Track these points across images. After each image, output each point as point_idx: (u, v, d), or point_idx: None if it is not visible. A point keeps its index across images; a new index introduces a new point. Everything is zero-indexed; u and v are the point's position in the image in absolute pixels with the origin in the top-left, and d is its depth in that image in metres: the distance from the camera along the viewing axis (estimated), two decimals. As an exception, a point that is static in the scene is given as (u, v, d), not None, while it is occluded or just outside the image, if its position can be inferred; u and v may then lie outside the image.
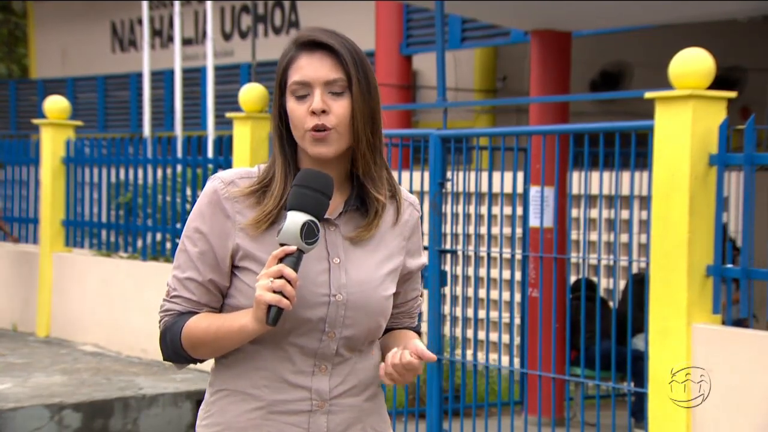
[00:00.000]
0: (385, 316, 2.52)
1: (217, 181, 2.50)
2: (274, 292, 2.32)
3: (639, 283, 7.18)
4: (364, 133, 2.46)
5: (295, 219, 2.36)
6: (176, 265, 2.52)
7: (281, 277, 2.32)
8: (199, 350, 2.47)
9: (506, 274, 9.59)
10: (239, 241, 2.46)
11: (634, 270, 8.27)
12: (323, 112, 2.42)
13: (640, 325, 6.76)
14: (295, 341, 2.45)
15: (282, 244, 2.36)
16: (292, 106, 2.46)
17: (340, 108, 2.44)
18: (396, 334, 2.65)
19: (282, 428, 2.46)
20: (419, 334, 2.68)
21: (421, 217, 2.67)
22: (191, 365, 2.57)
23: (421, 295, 2.69)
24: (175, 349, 2.49)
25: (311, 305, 2.42)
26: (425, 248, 7.00)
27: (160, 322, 2.53)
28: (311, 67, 2.44)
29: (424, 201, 8.24)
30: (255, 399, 2.47)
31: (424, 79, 14.54)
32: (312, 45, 2.46)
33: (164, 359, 2.56)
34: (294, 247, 2.35)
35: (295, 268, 2.34)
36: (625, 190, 7.58)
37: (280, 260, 2.34)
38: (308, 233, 2.35)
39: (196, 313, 2.49)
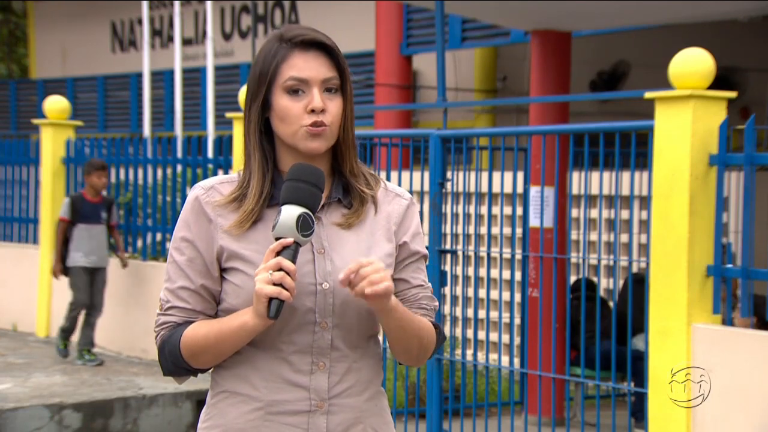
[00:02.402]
0: None
1: (197, 188, 2.52)
2: (274, 284, 2.33)
3: (639, 283, 7.19)
4: (349, 131, 2.52)
5: (291, 212, 2.37)
6: (167, 278, 2.52)
7: (280, 269, 2.33)
8: (200, 358, 2.47)
9: (506, 274, 9.59)
10: (222, 242, 2.47)
11: (634, 270, 8.27)
12: (322, 111, 2.45)
13: (640, 325, 6.77)
14: (289, 338, 2.45)
15: (278, 238, 2.37)
16: (286, 103, 2.47)
17: (334, 107, 2.48)
18: None
19: (281, 429, 2.46)
20: (437, 329, 2.61)
21: (421, 216, 2.67)
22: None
23: (432, 292, 2.65)
24: (175, 360, 2.48)
25: (299, 295, 2.42)
26: (425, 248, 6.99)
27: (156, 337, 2.52)
28: (308, 66, 2.47)
29: (424, 201, 8.24)
30: (254, 400, 2.47)
31: (424, 79, 14.54)
32: (306, 44, 2.48)
33: (164, 374, 2.55)
34: (291, 240, 2.36)
35: (293, 260, 2.35)
36: (625, 190, 7.58)
37: (277, 254, 2.35)
38: (304, 225, 2.37)
39: (192, 322, 2.49)
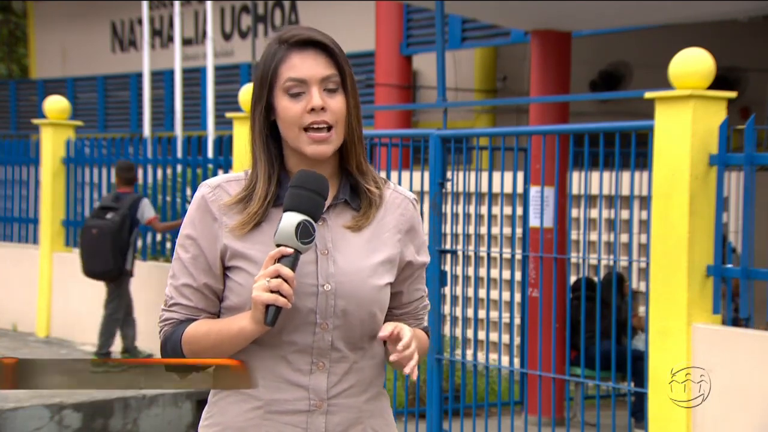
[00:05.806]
0: (380, 307, 2.51)
1: (204, 187, 2.52)
2: (272, 291, 2.33)
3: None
4: (356, 128, 2.50)
5: (291, 219, 2.37)
6: (171, 275, 2.53)
7: (278, 276, 2.33)
8: (201, 357, 2.47)
9: (506, 274, 9.59)
10: (226, 241, 2.47)
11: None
12: (322, 109, 2.44)
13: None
14: (289, 338, 2.45)
15: (278, 245, 2.37)
16: (286, 104, 2.46)
17: (336, 104, 2.46)
18: None
19: (280, 428, 2.47)
20: (427, 332, 2.68)
21: (421, 216, 2.67)
22: None
23: (426, 294, 2.67)
24: (176, 357, 2.49)
25: (300, 296, 2.42)
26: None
27: (160, 332, 2.54)
28: (306, 65, 2.46)
29: (424, 201, 8.25)
30: (254, 398, 2.48)
31: (424, 79, 14.54)
32: (302, 43, 2.48)
33: None
34: (290, 249, 2.36)
35: (292, 267, 2.36)
36: (625, 190, 7.58)
37: (277, 261, 2.36)
38: (303, 233, 2.37)
39: (195, 320, 2.50)
